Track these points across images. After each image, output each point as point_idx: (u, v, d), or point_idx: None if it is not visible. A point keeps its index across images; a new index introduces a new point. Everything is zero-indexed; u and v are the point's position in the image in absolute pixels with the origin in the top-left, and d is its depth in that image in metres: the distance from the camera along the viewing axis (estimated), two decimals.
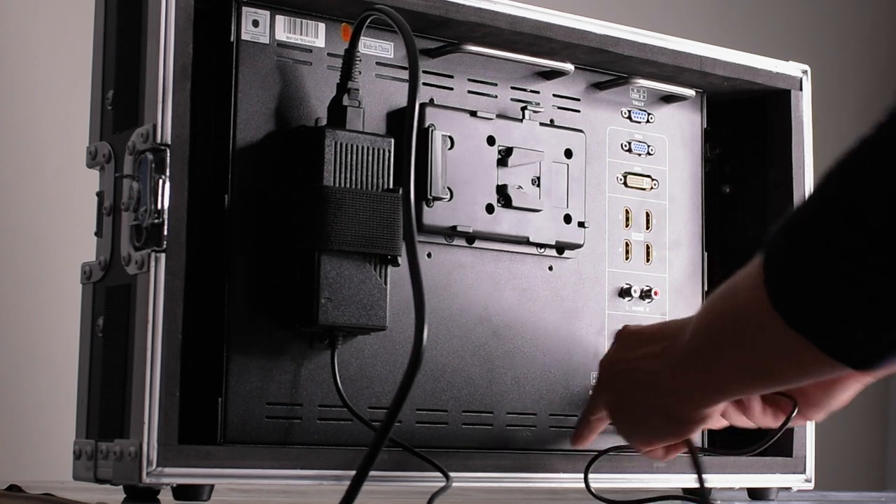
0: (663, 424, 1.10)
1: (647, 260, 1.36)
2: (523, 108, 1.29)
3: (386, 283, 1.17)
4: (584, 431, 1.23)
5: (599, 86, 1.36)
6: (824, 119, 1.58)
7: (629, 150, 1.37)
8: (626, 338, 1.14)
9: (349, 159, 1.14)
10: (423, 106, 1.23)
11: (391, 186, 1.16)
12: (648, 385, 1.08)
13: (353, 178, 1.14)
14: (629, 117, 1.38)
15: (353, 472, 1.14)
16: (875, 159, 0.81)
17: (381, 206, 1.14)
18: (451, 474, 1.16)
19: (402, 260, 1.18)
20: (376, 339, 1.20)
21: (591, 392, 1.27)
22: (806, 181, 1.42)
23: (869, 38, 2.56)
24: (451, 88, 1.27)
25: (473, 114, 1.25)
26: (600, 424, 1.22)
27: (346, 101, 1.16)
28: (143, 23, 1.10)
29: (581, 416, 1.24)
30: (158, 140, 1.07)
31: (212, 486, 1.09)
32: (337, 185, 1.13)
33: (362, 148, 1.15)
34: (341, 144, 1.14)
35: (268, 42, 1.17)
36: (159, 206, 1.07)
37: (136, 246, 1.08)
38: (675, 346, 1.03)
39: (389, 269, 1.17)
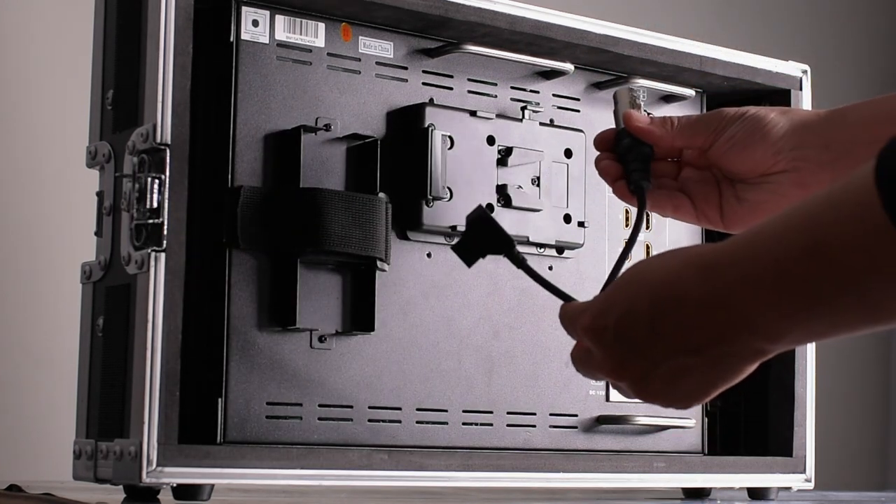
0: (738, 376, 0.85)
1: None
2: (523, 108, 1.29)
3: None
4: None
5: (599, 86, 1.36)
6: None
7: None
8: (614, 344, 0.87)
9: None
10: (423, 106, 1.23)
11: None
12: (708, 371, 0.84)
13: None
14: None
15: (353, 472, 1.14)
16: None
17: (367, 208, 1.15)
18: (451, 474, 1.16)
19: (388, 265, 1.19)
20: (375, 339, 1.20)
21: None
22: None
23: (869, 38, 2.56)
24: (451, 88, 1.27)
25: (473, 113, 1.25)
26: None
27: None
28: (143, 23, 1.10)
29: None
30: (158, 140, 1.07)
31: (212, 486, 1.09)
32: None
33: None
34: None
35: (268, 42, 1.17)
36: (159, 206, 1.07)
37: (136, 246, 1.08)
38: (728, 322, 0.80)
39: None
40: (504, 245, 1.03)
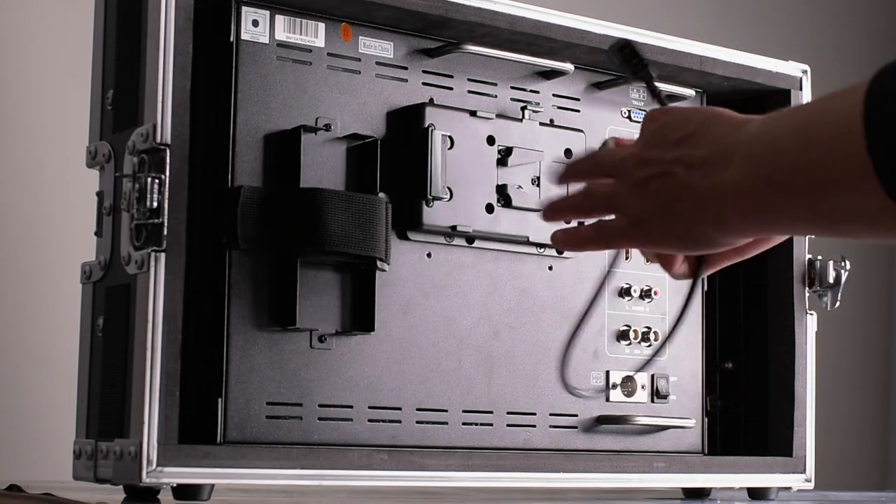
0: (689, 242, 0.94)
1: (647, 260, 1.36)
2: (523, 108, 1.29)
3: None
4: (565, 210, 1.06)
5: (599, 86, 1.36)
6: None
7: None
8: (656, 131, 0.96)
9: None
10: (422, 106, 1.23)
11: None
12: (684, 198, 0.92)
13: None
14: (629, 117, 1.38)
15: (353, 472, 1.14)
16: None
17: (367, 208, 1.15)
18: (451, 474, 1.15)
19: (388, 265, 1.19)
20: (375, 339, 1.20)
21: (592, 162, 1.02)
22: None
23: (869, 38, 2.56)
24: (451, 88, 1.27)
25: (473, 113, 1.25)
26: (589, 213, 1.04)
27: None
28: (143, 23, 1.10)
29: (568, 196, 1.05)
30: (158, 140, 1.07)
31: (212, 486, 1.09)
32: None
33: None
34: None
35: (268, 42, 1.17)
36: (158, 206, 1.07)
37: (136, 246, 1.08)
38: (724, 167, 0.89)
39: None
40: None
